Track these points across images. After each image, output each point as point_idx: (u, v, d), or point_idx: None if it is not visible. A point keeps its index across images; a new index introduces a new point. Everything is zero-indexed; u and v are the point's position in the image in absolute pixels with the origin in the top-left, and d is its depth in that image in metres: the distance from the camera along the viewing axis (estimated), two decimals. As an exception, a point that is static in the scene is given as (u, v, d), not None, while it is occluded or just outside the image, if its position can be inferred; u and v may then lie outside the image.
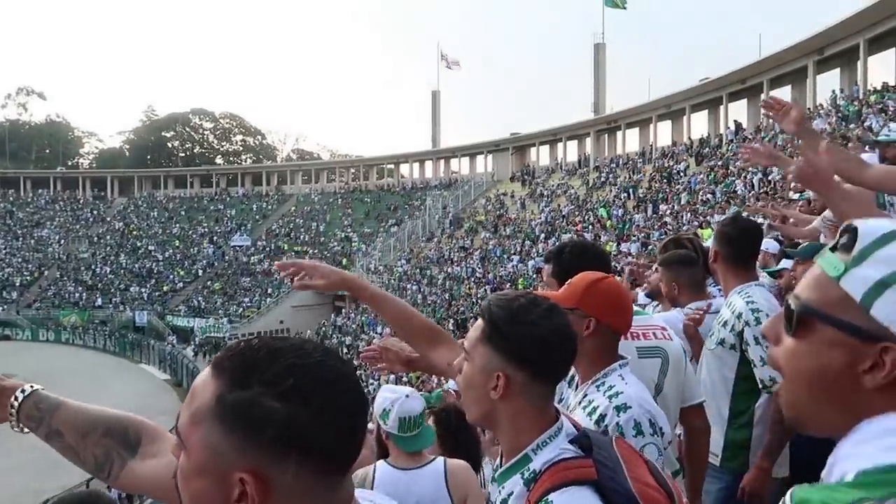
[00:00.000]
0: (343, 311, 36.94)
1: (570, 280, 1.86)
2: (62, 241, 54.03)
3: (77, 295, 47.79)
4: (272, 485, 0.73)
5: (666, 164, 32.17)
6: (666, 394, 2.25)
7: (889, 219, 0.77)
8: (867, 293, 0.73)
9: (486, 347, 1.35)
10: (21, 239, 54.24)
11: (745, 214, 7.07)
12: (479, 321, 1.39)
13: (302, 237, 49.00)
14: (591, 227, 29.38)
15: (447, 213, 42.90)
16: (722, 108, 33.66)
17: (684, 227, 20.78)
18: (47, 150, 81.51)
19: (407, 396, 2.67)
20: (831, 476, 0.74)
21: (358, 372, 21.76)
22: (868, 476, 0.68)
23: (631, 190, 31.24)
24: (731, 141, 29.81)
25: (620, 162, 37.55)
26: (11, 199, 59.41)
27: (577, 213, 32.58)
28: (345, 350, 29.45)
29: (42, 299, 47.98)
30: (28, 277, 50.15)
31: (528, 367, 1.32)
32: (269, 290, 43.21)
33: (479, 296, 28.31)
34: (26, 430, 1.31)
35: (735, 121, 32.08)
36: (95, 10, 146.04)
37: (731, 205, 21.08)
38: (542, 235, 31.79)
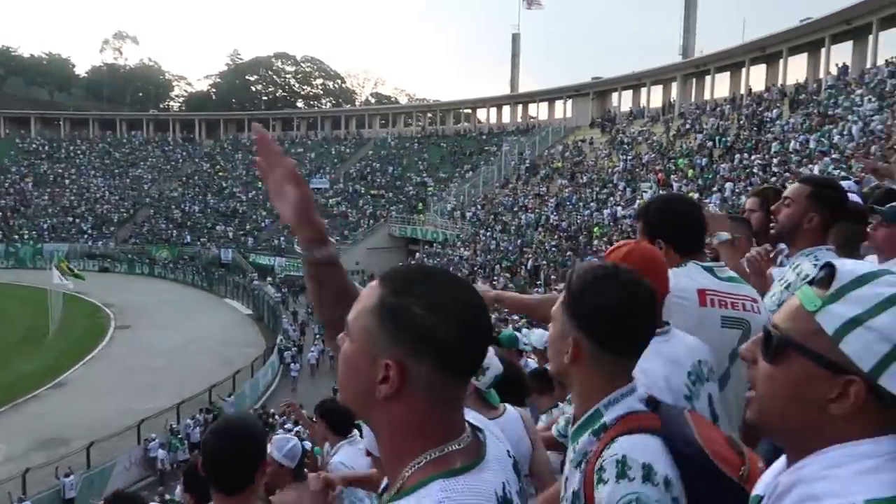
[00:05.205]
0: (416, 254, 37.51)
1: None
2: (155, 181, 56.82)
3: (168, 232, 50.48)
4: (409, 375, 0.92)
5: (757, 111, 30.49)
6: (740, 364, 2.20)
7: (865, 261, 0.85)
8: (839, 329, 0.82)
9: (564, 313, 1.41)
10: (118, 178, 57.40)
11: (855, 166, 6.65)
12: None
13: (378, 181, 49.63)
14: (670, 176, 28.40)
15: (523, 159, 42.35)
16: (823, 51, 31.35)
17: (772, 179, 19.79)
18: (140, 94, 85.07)
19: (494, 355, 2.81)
20: (791, 494, 0.83)
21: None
22: None
23: (717, 138, 29.87)
24: (832, 87, 27.86)
25: (707, 108, 35.84)
26: (109, 139, 62.70)
27: (658, 161, 31.51)
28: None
29: (137, 235, 50.95)
30: (125, 214, 53.22)
31: (596, 338, 1.36)
32: (346, 233, 44.29)
33: (551, 244, 28.10)
34: (307, 264, 1.42)
35: (838, 64, 29.88)
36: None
37: (826, 156, 19.86)
38: (622, 184, 31.01)
